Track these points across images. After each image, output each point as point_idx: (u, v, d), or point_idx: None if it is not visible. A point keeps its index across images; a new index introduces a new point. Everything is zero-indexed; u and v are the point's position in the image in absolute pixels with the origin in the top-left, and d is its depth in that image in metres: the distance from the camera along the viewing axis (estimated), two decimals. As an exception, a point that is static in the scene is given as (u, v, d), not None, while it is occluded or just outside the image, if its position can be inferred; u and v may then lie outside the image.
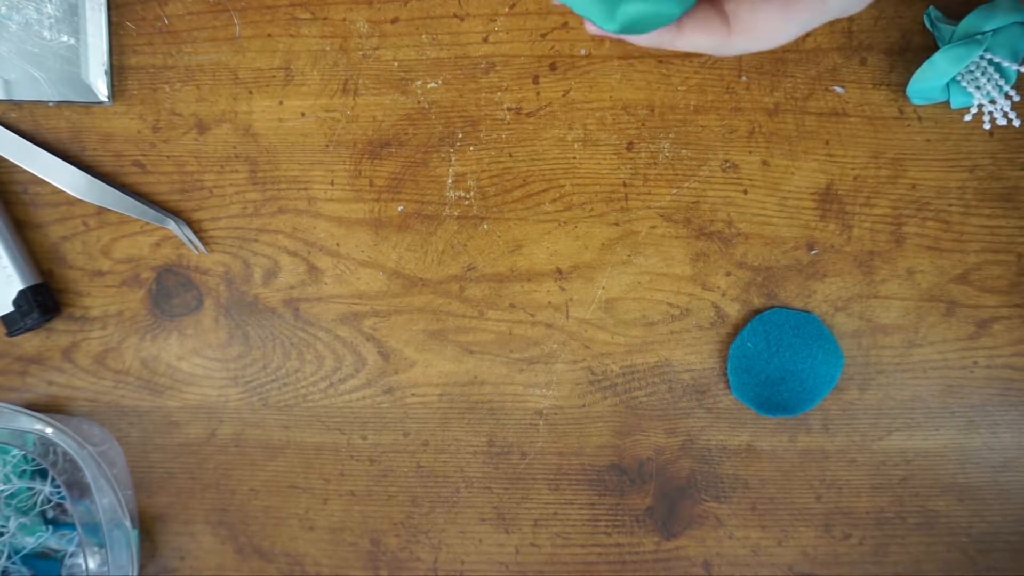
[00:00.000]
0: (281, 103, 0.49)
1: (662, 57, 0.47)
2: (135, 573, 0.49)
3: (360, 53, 0.48)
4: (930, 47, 0.46)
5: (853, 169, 0.47)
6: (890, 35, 0.46)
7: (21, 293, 0.48)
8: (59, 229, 0.50)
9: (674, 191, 0.48)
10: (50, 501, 0.51)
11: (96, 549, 0.48)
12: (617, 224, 0.48)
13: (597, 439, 0.50)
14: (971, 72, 0.43)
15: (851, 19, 0.46)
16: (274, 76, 0.49)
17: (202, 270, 0.50)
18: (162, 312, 0.51)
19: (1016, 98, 0.43)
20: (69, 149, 0.50)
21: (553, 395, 0.50)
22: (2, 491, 0.49)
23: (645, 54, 0.47)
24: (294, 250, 0.50)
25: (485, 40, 0.48)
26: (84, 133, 0.49)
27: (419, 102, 0.48)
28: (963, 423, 0.48)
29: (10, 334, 0.49)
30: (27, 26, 0.48)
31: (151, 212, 0.49)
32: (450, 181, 0.49)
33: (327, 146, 0.49)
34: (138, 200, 0.49)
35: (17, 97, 0.48)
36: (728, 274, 0.48)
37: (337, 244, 0.50)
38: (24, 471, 0.50)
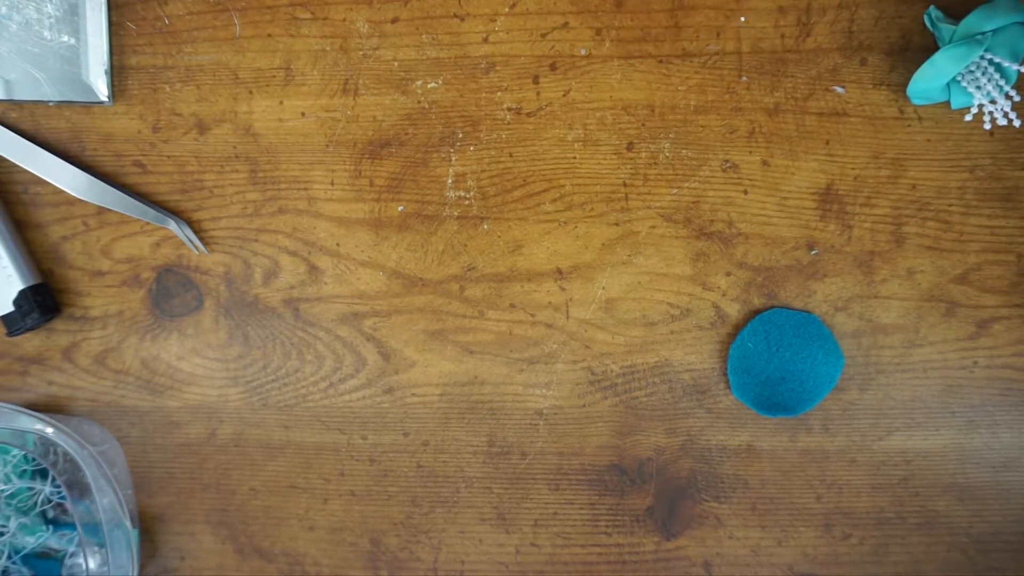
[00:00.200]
0: (281, 103, 0.49)
1: (662, 57, 0.47)
2: (135, 573, 0.49)
3: (360, 53, 0.48)
4: (930, 47, 0.46)
5: (853, 169, 0.47)
6: (890, 35, 0.46)
7: (21, 293, 0.48)
8: (59, 229, 0.50)
9: (674, 191, 0.48)
10: (50, 501, 0.51)
11: (96, 549, 0.48)
12: (617, 224, 0.48)
13: (597, 439, 0.50)
14: (971, 72, 0.43)
15: (851, 19, 0.46)
16: (274, 76, 0.49)
17: (202, 270, 0.50)
18: (162, 312, 0.51)
19: (1016, 98, 0.43)
20: (69, 149, 0.50)
21: (553, 395, 0.50)
22: (2, 491, 0.49)
23: (645, 54, 0.47)
24: (294, 250, 0.50)
25: (485, 40, 0.48)
26: (84, 133, 0.49)
27: (419, 102, 0.48)
28: (963, 423, 0.48)
29: (10, 334, 0.49)
30: (27, 26, 0.47)
31: (151, 212, 0.49)
32: (450, 181, 0.49)
33: (327, 146, 0.49)
34: (138, 200, 0.49)
35: (17, 97, 0.48)
36: (728, 274, 0.48)
37: (337, 244, 0.50)
38: (24, 471, 0.50)
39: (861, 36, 0.46)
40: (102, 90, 0.48)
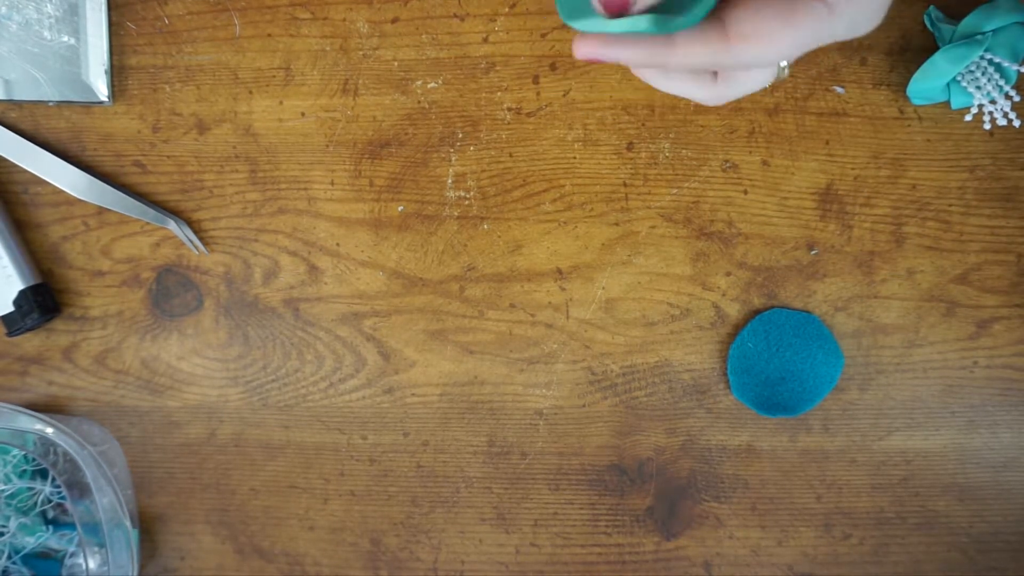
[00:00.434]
0: (281, 103, 0.49)
1: (662, 57, 0.47)
2: (135, 573, 0.49)
3: (360, 53, 0.48)
4: (930, 47, 0.46)
5: (853, 169, 0.47)
6: (890, 35, 0.46)
7: (21, 293, 0.48)
8: (59, 229, 0.50)
9: (674, 191, 0.48)
10: (50, 501, 0.51)
11: (96, 549, 0.48)
12: (617, 224, 0.48)
13: (597, 439, 0.50)
14: (971, 72, 0.43)
15: (851, 19, 0.46)
16: (274, 76, 0.49)
17: (202, 270, 0.50)
18: (162, 312, 0.51)
19: (1016, 98, 0.43)
20: (69, 149, 0.50)
21: (553, 395, 0.50)
22: (2, 491, 0.49)
23: (645, 54, 0.47)
24: (294, 250, 0.50)
25: (485, 40, 0.48)
26: (84, 133, 0.49)
27: (419, 102, 0.48)
28: (963, 423, 0.48)
29: (10, 334, 0.49)
30: (27, 26, 0.47)
31: (151, 212, 0.49)
32: (450, 181, 0.49)
33: (327, 146, 0.49)
34: (138, 200, 0.49)
35: (17, 97, 0.48)
36: (728, 274, 0.48)
37: (337, 244, 0.50)
38: (24, 471, 0.50)
39: (861, 36, 0.46)
40: (102, 90, 0.48)
